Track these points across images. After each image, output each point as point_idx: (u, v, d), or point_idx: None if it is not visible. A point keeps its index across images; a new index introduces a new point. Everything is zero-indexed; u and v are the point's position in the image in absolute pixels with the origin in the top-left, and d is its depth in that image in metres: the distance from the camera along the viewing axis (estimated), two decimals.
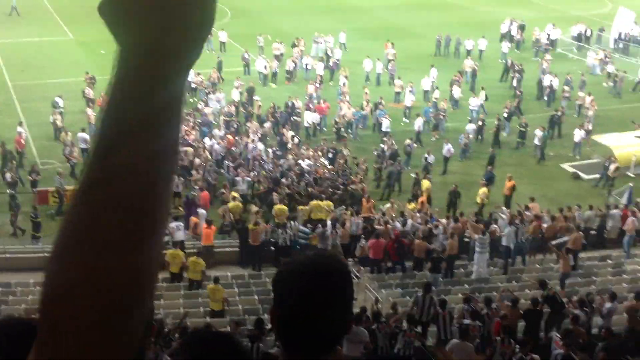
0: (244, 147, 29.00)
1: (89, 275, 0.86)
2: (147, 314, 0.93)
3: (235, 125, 31.32)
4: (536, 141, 31.47)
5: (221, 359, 1.96)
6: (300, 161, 27.72)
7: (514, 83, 38.22)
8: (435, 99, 35.23)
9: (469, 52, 43.07)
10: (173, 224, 22.54)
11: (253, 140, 29.27)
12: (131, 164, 0.89)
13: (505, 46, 44.26)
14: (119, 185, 0.89)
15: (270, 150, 28.98)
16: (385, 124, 32.17)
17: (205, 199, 24.83)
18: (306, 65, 39.67)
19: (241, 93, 34.67)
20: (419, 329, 16.98)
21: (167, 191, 0.94)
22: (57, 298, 0.87)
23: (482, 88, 36.03)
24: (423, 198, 25.81)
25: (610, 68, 41.49)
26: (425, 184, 26.78)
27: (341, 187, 25.90)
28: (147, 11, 0.91)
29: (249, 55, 39.53)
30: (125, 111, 0.91)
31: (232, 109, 32.74)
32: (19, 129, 29.07)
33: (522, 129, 32.44)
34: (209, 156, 27.88)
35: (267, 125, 31.32)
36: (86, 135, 27.95)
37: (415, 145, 30.69)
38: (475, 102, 34.88)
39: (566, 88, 37.04)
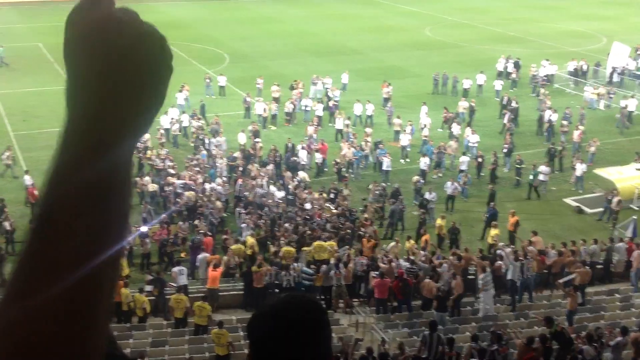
0: (252, 190, 28.91)
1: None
2: None
3: (240, 169, 31.32)
4: (541, 177, 31.39)
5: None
6: (306, 204, 27.75)
7: (505, 120, 38.32)
8: (425, 136, 35.30)
9: (466, 91, 43.34)
10: (176, 269, 22.43)
11: (262, 186, 29.23)
12: (71, 235, 0.90)
13: (499, 84, 44.58)
14: (57, 257, 0.89)
15: (278, 193, 28.89)
16: (386, 163, 32.25)
17: (208, 245, 24.74)
18: (305, 106, 39.94)
19: (249, 137, 34.77)
20: None
21: (114, 263, 0.94)
22: None
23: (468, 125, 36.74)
24: (427, 236, 25.70)
25: (622, 103, 41.40)
26: (439, 221, 26.77)
27: (349, 230, 25.82)
28: (100, 80, 0.95)
29: (250, 99, 39.75)
30: (65, 180, 0.94)
31: (237, 153, 32.70)
32: (28, 179, 28.94)
33: (518, 166, 32.39)
34: (213, 200, 27.88)
35: (270, 167, 31.34)
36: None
37: (422, 182, 30.74)
38: (474, 138, 35.02)
39: (564, 123, 37.23)
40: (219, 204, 27.80)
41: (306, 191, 29.00)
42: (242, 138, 34.44)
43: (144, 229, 24.91)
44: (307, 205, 27.71)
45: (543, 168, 31.52)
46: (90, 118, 0.95)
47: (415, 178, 30.80)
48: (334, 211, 27.33)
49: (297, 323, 1.82)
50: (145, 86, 0.97)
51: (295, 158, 32.71)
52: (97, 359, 0.91)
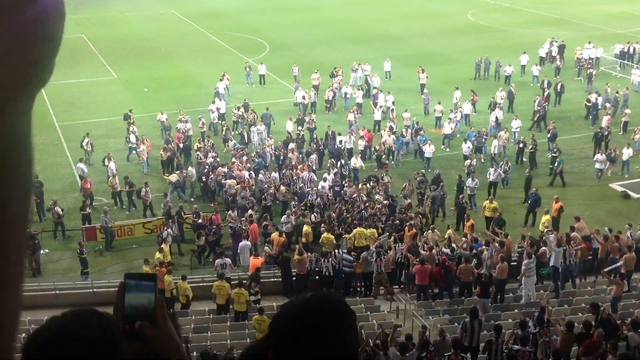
0: (308, 182, 28.76)
1: None
2: None
3: (281, 158, 31.25)
4: (597, 165, 30.73)
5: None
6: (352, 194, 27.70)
7: (535, 105, 37.25)
8: (451, 119, 34.95)
9: (507, 78, 42.48)
10: (218, 262, 22.62)
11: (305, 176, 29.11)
12: None
13: (536, 69, 43.64)
14: None
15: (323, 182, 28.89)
16: (429, 151, 31.99)
17: (255, 232, 24.95)
18: (345, 94, 39.83)
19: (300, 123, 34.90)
20: (468, 355, 16.65)
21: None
22: None
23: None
24: (471, 221, 25.41)
25: None
26: (489, 205, 26.54)
27: (397, 222, 25.72)
28: None
29: (300, 89, 39.50)
30: None
31: (291, 144, 32.32)
32: (81, 166, 29.75)
33: (554, 155, 31.52)
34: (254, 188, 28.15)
35: (313, 157, 31.30)
36: (82, 165, 29.51)
37: (474, 165, 30.52)
38: (516, 124, 34.47)
39: (607, 105, 36.43)
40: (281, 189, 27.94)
41: (345, 182, 28.85)
42: (289, 126, 34.47)
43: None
44: (353, 195, 27.62)
45: (598, 157, 30.81)
46: None
47: (467, 162, 30.62)
48: (384, 202, 27.04)
49: (321, 320, 1.80)
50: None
51: (339, 145, 32.56)
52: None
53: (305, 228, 24.88)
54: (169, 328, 1.93)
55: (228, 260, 22.82)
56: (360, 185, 28.59)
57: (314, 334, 1.78)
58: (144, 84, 43.30)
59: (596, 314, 17.72)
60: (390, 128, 33.84)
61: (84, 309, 1.63)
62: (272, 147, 32.29)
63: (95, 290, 22.29)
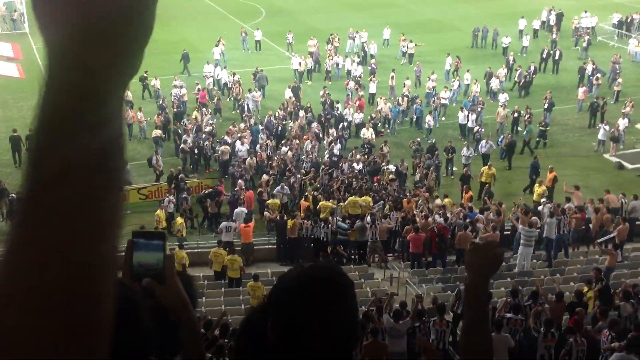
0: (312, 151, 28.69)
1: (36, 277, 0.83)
2: (106, 315, 0.88)
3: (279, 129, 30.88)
4: (600, 136, 30.66)
5: None
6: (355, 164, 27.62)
7: (518, 72, 37.33)
8: (445, 88, 34.87)
9: (505, 49, 41.88)
10: (223, 225, 22.79)
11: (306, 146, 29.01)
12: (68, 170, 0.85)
13: (526, 40, 43.04)
14: (57, 193, 0.84)
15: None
16: (428, 120, 31.89)
17: (250, 199, 24.96)
18: (337, 64, 39.07)
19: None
20: (461, 323, 16.79)
21: (113, 195, 0.89)
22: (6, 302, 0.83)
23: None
24: (470, 193, 25.45)
25: None
26: (487, 171, 26.58)
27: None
28: (75, 14, 0.84)
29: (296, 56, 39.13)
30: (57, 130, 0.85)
31: (301, 112, 32.19)
32: None
33: (542, 129, 31.35)
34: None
35: (315, 125, 31.10)
36: None
37: (482, 130, 30.52)
38: (503, 97, 34.26)
39: (599, 75, 36.36)
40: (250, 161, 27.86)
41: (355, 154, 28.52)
42: (288, 93, 34.22)
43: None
44: (357, 166, 27.56)
45: (604, 127, 30.71)
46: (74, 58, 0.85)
47: (476, 128, 30.64)
48: (392, 177, 26.96)
49: (321, 290, 1.82)
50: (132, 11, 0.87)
51: (335, 113, 32.42)
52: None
53: (270, 202, 24.53)
54: (177, 286, 1.95)
55: (233, 224, 22.90)
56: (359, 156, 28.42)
57: (313, 302, 1.80)
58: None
59: (598, 278, 17.92)
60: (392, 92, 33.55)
61: None
62: (274, 115, 31.74)
63: None
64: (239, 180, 25.86)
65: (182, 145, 28.90)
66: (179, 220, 23.88)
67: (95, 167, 0.85)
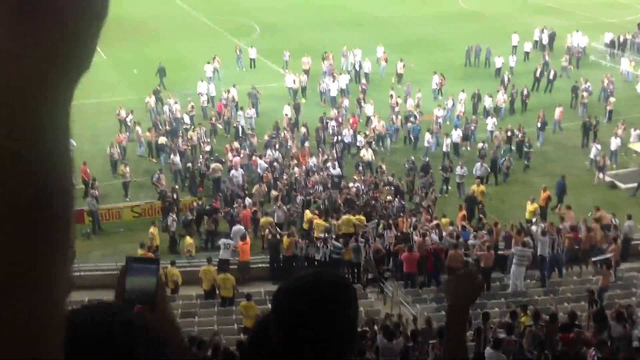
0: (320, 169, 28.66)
1: None
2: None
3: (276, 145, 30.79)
4: (593, 155, 30.63)
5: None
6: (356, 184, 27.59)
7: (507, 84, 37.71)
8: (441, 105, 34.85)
9: (498, 70, 41.75)
10: (222, 241, 22.73)
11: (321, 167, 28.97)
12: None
13: (512, 60, 42.76)
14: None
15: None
16: (427, 140, 31.98)
17: (246, 217, 24.89)
18: (327, 86, 38.30)
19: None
20: None
21: (61, 232, 0.73)
22: None
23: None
24: (463, 212, 25.45)
25: None
26: (477, 189, 26.65)
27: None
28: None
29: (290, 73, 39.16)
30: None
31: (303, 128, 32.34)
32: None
33: (526, 150, 31.23)
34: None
35: (307, 145, 31.14)
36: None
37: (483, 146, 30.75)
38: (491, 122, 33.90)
39: (584, 95, 36.56)
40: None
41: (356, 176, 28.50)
42: (287, 110, 34.16)
43: None
44: (356, 185, 27.51)
45: (595, 146, 30.80)
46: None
47: (480, 144, 30.85)
48: (389, 198, 26.88)
49: (323, 295, 1.83)
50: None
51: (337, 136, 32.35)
52: None
53: (308, 215, 24.77)
54: (169, 313, 1.93)
55: (232, 242, 22.81)
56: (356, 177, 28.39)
57: (315, 308, 1.81)
58: (133, 66, 42.96)
59: (592, 301, 17.89)
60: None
61: (104, 304, 1.60)
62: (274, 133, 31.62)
63: (82, 273, 22.16)
64: (238, 199, 25.91)
65: (171, 165, 28.89)
66: (188, 240, 23.74)
67: (29, 214, 0.67)
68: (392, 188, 27.42)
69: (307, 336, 1.80)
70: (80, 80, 0.78)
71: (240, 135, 32.25)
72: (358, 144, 31.85)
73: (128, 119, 32.68)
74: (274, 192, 26.40)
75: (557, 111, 34.87)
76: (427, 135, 32.10)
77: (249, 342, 2.35)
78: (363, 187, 27.31)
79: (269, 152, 29.77)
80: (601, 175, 29.51)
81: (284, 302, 1.87)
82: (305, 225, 24.69)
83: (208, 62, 39.65)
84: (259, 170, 28.29)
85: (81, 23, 0.72)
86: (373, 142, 32.33)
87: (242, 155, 29.21)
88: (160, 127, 32.17)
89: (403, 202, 26.64)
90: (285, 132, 32.00)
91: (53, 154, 0.68)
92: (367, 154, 30.32)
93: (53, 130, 0.69)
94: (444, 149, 31.32)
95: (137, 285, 1.82)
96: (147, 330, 1.64)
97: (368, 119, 34.17)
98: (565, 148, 33.52)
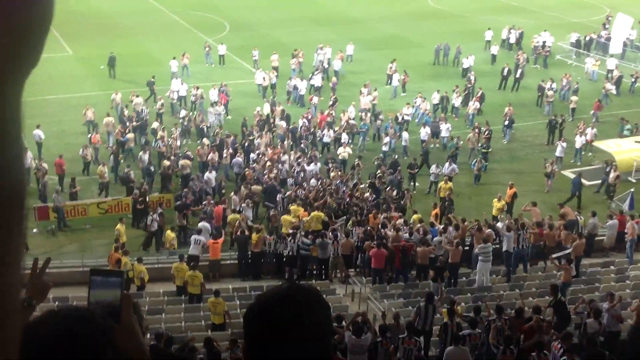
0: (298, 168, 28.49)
1: None
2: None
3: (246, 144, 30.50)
4: (558, 153, 30.96)
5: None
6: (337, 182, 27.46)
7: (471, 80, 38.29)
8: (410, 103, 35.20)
9: (465, 70, 41.74)
10: (193, 237, 22.57)
11: (299, 164, 28.77)
12: None
13: (484, 57, 43.29)
14: None
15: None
16: (405, 138, 32.16)
17: (219, 214, 24.78)
18: (295, 86, 37.94)
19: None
20: (421, 339, 16.88)
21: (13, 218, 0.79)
22: None
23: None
24: (437, 210, 25.66)
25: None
26: (444, 185, 26.85)
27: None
28: None
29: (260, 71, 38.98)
30: None
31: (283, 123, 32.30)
32: (38, 132, 29.08)
33: (484, 151, 31.21)
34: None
35: (287, 142, 31.13)
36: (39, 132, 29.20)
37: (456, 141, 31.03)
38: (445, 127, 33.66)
39: (550, 93, 37.06)
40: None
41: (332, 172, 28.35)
42: (266, 108, 33.97)
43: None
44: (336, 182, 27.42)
45: (561, 144, 31.19)
46: None
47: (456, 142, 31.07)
48: (366, 195, 26.77)
49: (295, 311, 1.83)
50: None
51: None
52: None
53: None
54: (133, 325, 1.92)
55: (203, 238, 22.67)
56: (333, 174, 28.27)
57: (287, 324, 1.81)
58: (100, 61, 42.45)
59: (554, 296, 18.18)
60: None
61: (73, 308, 1.60)
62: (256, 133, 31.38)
63: (48, 271, 21.83)
64: (208, 196, 25.83)
65: (139, 163, 28.59)
66: (170, 234, 23.59)
67: None
68: (368, 186, 27.47)
69: (284, 351, 1.80)
70: (48, 76, 0.81)
71: (206, 132, 32.05)
72: (326, 139, 31.91)
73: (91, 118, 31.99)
74: (243, 189, 26.30)
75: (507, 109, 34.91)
76: (405, 134, 32.27)
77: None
78: (340, 184, 27.30)
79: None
80: (550, 182, 29.59)
81: (254, 320, 1.87)
82: (294, 219, 24.41)
83: (174, 58, 39.33)
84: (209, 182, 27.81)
85: (28, 23, 0.76)
86: (344, 139, 32.31)
87: (225, 155, 29.17)
88: (128, 123, 31.83)
89: (377, 199, 26.70)
90: (253, 129, 31.88)
91: (4, 147, 0.71)
92: (344, 152, 30.41)
93: (3, 122, 0.72)
94: (403, 143, 31.89)
95: (101, 298, 1.83)
96: (113, 343, 1.65)
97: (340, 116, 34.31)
98: (532, 146, 33.97)
